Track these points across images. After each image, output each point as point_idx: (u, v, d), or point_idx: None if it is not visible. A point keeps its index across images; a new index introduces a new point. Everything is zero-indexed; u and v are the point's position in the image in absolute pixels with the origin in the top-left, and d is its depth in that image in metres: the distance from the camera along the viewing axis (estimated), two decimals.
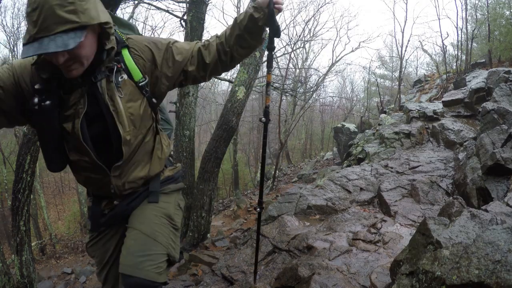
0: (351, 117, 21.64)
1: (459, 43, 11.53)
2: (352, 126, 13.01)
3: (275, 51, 1.80)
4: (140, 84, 1.25)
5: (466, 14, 11.37)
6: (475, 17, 11.89)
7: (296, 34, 21.29)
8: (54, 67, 1.10)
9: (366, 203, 4.09)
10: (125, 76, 1.23)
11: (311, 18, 17.97)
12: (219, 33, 1.38)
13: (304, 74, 18.81)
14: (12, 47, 14.07)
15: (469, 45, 11.12)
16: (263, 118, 1.78)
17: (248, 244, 3.30)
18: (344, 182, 4.55)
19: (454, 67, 11.86)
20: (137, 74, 1.25)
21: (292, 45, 16.20)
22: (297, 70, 18.57)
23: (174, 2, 7.35)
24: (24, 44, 1.00)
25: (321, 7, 18.59)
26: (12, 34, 14.15)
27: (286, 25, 17.86)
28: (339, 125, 13.36)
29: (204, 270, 3.41)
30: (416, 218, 3.37)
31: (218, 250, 4.29)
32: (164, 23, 33.18)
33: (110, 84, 1.20)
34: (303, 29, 17.41)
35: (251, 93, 5.57)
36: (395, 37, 31.65)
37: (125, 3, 7.80)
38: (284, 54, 16.17)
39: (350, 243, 2.80)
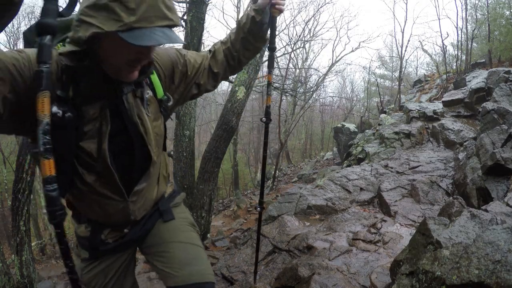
0: (351, 117, 21.64)
1: (459, 43, 11.56)
2: (352, 126, 13.01)
3: (275, 51, 1.81)
4: (162, 102, 1.15)
5: (466, 14, 11.41)
6: (475, 17, 11.91)
7: (296, 34, 21.33)
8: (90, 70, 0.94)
9: (366, 203, 4.09)
10: (150, 93, 1.11)
11: (311, 18, 17.94)
12: (223, 39, 1.36)
13: (304, 74, 18.82)
14: (12, 47, 14.09)
15: (469, 45, 11.13)
16: (264, 118, 1.79)
17: (248, 244, 3.30)
18: (344, 182, 4.56)
19: (454, 67, 11.88)
20: (160, 91, 1.14)
21: (292, 45, 16.19)
22: (297, 70, 18.55)
23: (174, 2, 7.34)
24: (119, 31, 0.83)
25: (321, 7, 18.46)
26: (12, 34, 14.21)
27: (286, 25, 17.91)
28: (339, 125, 13.35)
29: None
30: (416, 218, 3.37)
31: (218, 250, 4.29)
32: None
33: (136, 99, 1.06)
34: (303, 29, 17.38)
35: (251, 93, 5.58)
36: (395, 37, 31.82)
37: None
38: (284, 54, 16.15)
39: (350, 243, 2.80)
